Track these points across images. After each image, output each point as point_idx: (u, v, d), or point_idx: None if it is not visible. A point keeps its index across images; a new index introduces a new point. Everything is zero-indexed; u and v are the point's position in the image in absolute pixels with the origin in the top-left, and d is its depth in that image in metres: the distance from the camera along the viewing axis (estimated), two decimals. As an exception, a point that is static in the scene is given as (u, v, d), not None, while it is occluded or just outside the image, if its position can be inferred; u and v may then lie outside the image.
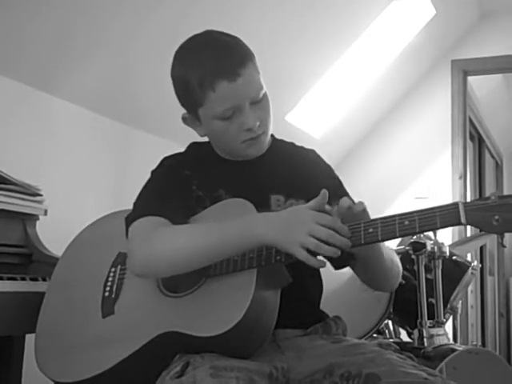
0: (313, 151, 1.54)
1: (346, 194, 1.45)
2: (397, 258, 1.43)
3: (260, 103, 1.37)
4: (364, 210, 1.22)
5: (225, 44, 1.36)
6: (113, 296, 1.38)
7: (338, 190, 1.43)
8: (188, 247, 1.26)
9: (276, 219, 1.21)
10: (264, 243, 1.21)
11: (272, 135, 1.48)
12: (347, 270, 1.45)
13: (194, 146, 1.53)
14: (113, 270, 1.43)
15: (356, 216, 1.20)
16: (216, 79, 1.31)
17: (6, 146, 2.14)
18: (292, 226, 1.17)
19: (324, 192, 1.20)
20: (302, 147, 1.54)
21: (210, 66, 1.32)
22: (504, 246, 1.14)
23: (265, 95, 1.38)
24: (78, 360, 1.34)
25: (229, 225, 1.24)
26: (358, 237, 1.18)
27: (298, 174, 1.44)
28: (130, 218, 1.36)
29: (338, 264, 1.41)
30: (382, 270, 1.38)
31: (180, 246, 1.26)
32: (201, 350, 1.19)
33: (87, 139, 2.54)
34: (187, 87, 1.35)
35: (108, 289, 1.40)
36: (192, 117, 1.42)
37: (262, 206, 1.31)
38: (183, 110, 1.44)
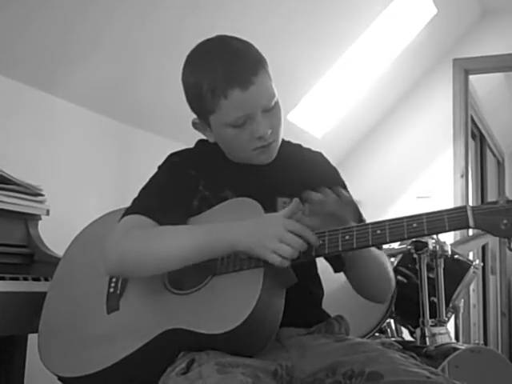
0: (320, 154, 1.53)
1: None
2: (389, 270, 1.42)
3: (272, 111, 1.35)
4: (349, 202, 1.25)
5: (237, 50, 1.34)
6: (118, 292, 1.38)
7: None
8: (159, 250, 1.27)
9: (249, 226, 1.23)
10: (237, 250, 1.22)
11: None
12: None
13: (201, 143, 1.50)
14: None
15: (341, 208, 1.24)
16: (229, 87, 1.29)
17: (8, 146, 2.14)
18: (263, 232, 1.20)
19: (296, 200, 1.23)
20: (308, 149, 1.53)
21: (223, 73, 1.30)
22: None
23: (277, 103, 1.36)
24: (82, 355, 1.34)
25: (201, 229, 1.26)
26: (366, 238, 1.19)
27: (304, 177, 1.43)
28: (124, 213, 1.38)
29: (338, 267, 1.41)
30: (369, 280, 1.39)
31: (151, 248, 1.27)
32: (206, 348, 1.20)
33: (89, 139, 2.54)
34: (199, 94, 1.33)
35: (113, 285, 1.40)
36: (202, 123, 1.40)
37: (269, 208, 1.31)
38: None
